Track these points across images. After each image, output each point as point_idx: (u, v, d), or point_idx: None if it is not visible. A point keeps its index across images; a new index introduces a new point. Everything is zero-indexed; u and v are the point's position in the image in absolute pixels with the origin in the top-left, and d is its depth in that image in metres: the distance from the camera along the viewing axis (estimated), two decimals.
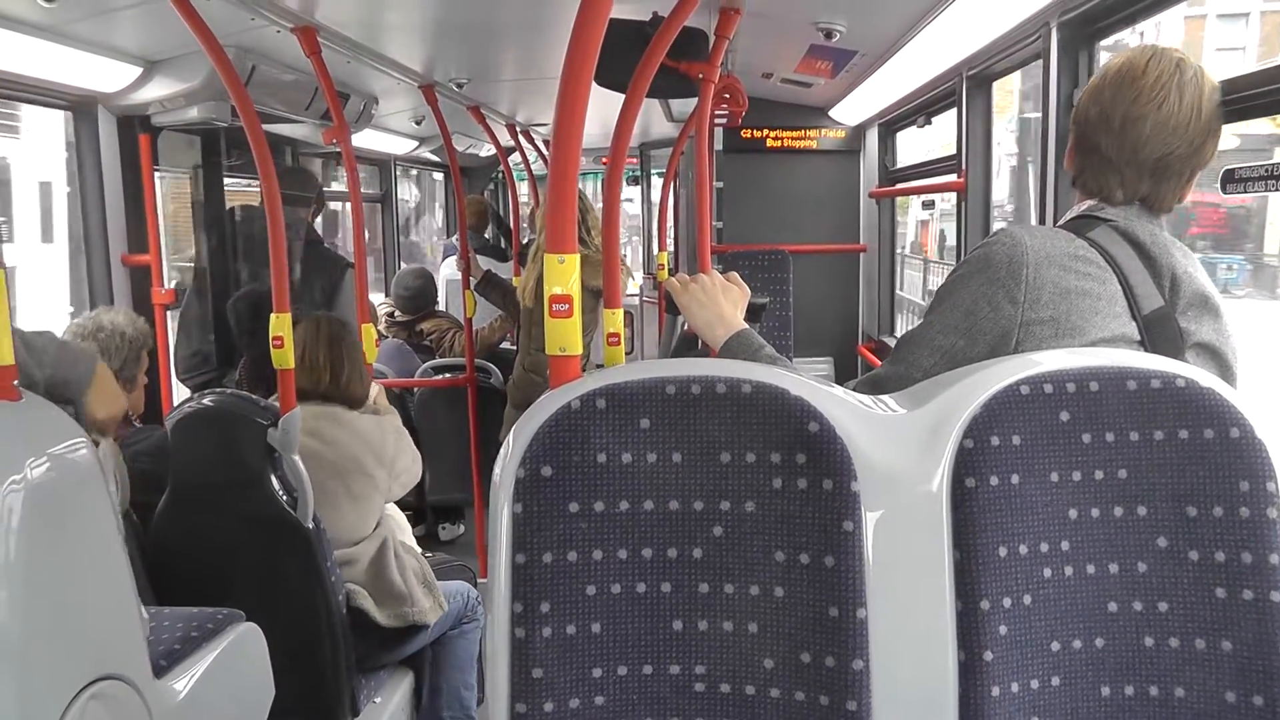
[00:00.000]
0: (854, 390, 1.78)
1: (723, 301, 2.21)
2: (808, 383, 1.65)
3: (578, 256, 1.78)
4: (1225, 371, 1.88)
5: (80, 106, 4.42)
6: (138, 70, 4.20)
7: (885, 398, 1.73)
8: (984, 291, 1.82)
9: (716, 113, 5.62)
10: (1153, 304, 1.83)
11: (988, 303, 1.82)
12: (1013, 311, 1.80)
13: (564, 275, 1.78)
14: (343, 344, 3.95)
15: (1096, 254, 1.85)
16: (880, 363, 1.97)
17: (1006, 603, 1.58)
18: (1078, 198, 2.01)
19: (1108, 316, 1.81)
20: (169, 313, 4.88)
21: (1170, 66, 1.86)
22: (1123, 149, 1.88)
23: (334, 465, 3.73)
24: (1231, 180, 2.44)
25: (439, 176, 10.91)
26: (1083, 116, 1.92)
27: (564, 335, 1.79)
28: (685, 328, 2.32)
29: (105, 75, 4.16)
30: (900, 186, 6.62)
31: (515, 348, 6.70)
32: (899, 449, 1.63)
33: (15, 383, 1.99)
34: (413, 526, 5.10)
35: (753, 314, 2.30)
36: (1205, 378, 1.67)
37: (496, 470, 1.63)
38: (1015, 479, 1.60)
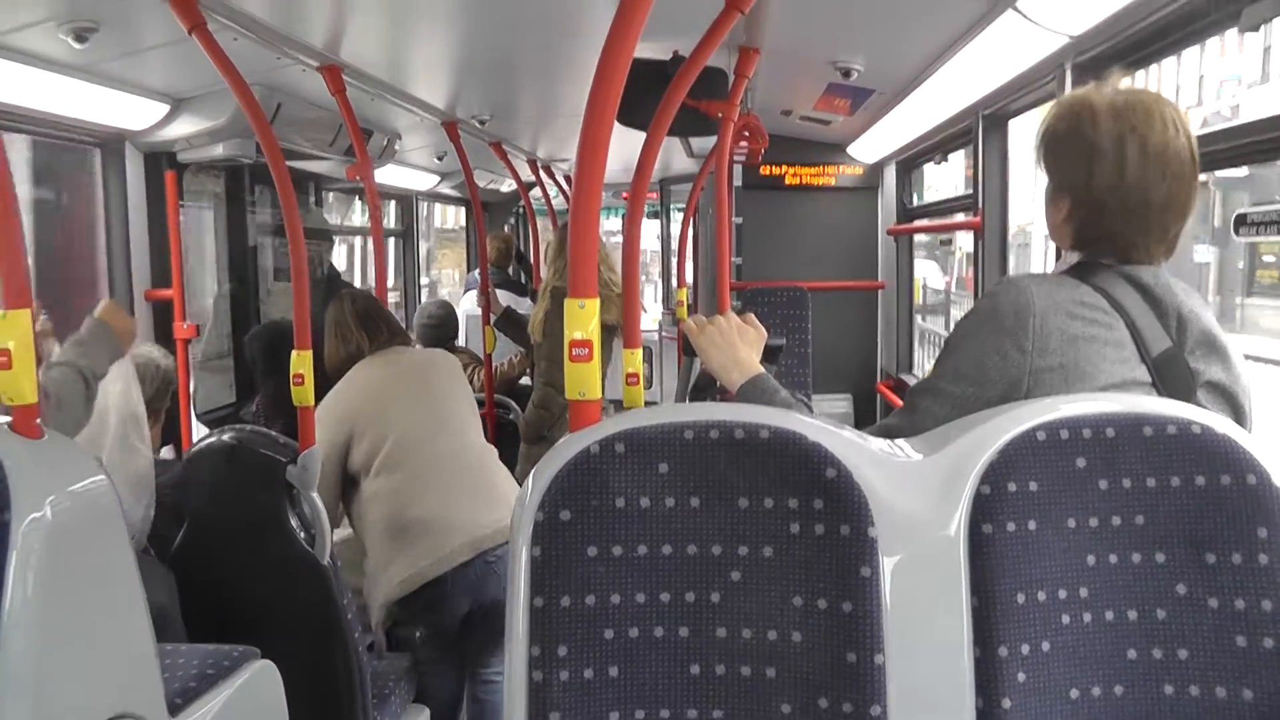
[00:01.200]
0: None
1: (739, 344, 2.21)
2: (825, 428, 1.65)
3: (598, 301, 1.79)
4: (1237, 411, 1.88)
5: (108, 144, 4.46)
6: (165, 108, 4.24)
7: (901, 442, 1.73)
8: (992, 341, 1.82)
9: (736, 150, 5.63)
10: (1161, 345, 1.83)
11: (996, 352, 1.81)
12: (1021, 360, 1.80)
13: (584, 320, 1.78)
14: (370, 307, 4.14)
15: (1102, 299, 1.85)
16: (899, 401, 1.97)
17: (1025, 649, 1.58)
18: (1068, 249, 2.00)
19: (1116, 361, 1.81)
20: (190, 348, 4.89)
21: (1175, 127, 1.85)
22: (1142, 222, 1.87)
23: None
24: (1244, 224, 2.45)
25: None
26: (1083, 179, 1.90)
27: (583, 379, 1.80)
28: (703, 368, 2.32)
29: (134, 113, 4.20)
30: (918, 224, 6.62)
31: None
32: (916, 494, 1.63)
33: (38, 421, 2.01)
34: None
35: (769, 355, 2.30)
36: (1221, 423, 1.66)
37: (515, 512, 1.63)
38: (1032, 525, 1.60)
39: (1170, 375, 1.82)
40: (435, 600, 3.74)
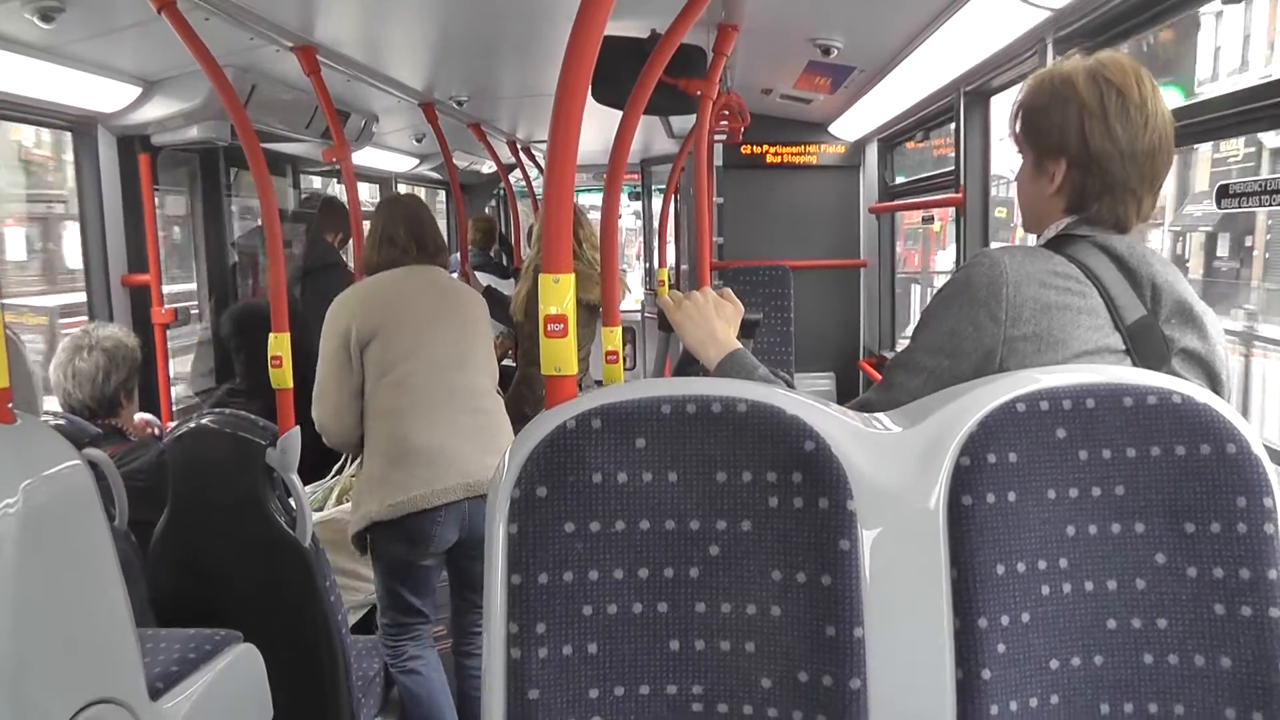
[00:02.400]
0: None
1: (715, 320, 2.20)
2: (804, 401, 1.64)
3: (573, 275, 1.78)
4: (1214, 379, 1.90)
5: (80, 126, 4.43)
6: (137, 90, 4.21)
7: (881, 416, 1.73)
8: (966, 312, 1.83)
9: (716, 129, 5.62)
10: (1135, 314, 1.85)
11: (970, 323, 1.82)
12: (995, 330, 1.80)
13: (559, 295, 1.77)
14: (421, 215, 4.01)
15: (1075, 269, 1.86)
16: (881, 378, 1.97)
17: (1004, 620, 1.57)
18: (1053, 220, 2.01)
19: (1089, 329, 1.82)
20: (168, 332, 4.87)
21: (1150, 85, 1.90)
22: (1138, 172, 1.90)
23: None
24: (1226, 195, 2.45)
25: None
26: (1076, 142, 1.91)
27: (559, 355, 1.79)
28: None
29: (105, 95, 4.17)
30: (900, 202, 6.62)
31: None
32: (895, 467, 1.62)
33: (10, 405, 1.99)
34: None
35: (746, 330, 2.30)
36: (1201, 393, 1.66)
37: (491, 490, 1.62)
38: (1012, 496, 1.60)
39: (1144, 342, 1.83)
40: (418, 532, 3.69)
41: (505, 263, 8.96)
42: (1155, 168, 1.91)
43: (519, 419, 5.36)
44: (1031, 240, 2.05)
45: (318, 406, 3.76)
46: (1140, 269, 1.87)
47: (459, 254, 6.68)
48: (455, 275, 6.98)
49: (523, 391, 5.46)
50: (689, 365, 2.26)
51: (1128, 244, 1.90)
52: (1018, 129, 2.02)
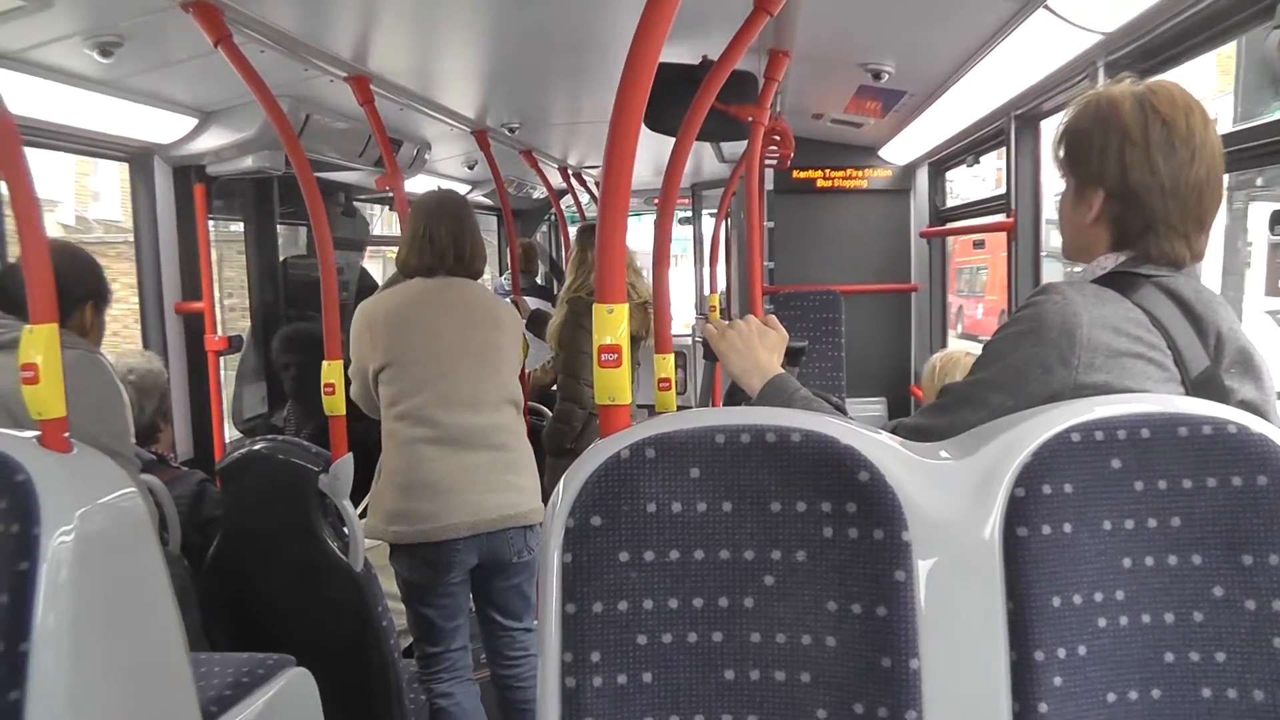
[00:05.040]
0: (895, 431, 1.77)
1: (759, 347, 2.20)
2: (857, 431, 1.64)
3: (627, 306, 1.78)
4: None
5: (137, 158, 4.49)
6: (193, 121, 4.27)
7: (934, 445, 1.71)
8: (1036, 353, 1.76)
9: (766, 153, 5.62)
10: (1200, 366, 1.79)
11: (1039, 365, 1.76)
12: (1065, 374, 1.74)
13: (613, 325, 1.78)
14: (464, 219, 3.87)
15: (1144, 316, 1.80)
16: (937, 401, 1.94)
17: (1061, 653, 1.56)
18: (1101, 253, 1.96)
19: (1157, 381, 1.76)
20: (221, 359, 4.91)
21: (1201, 117, 1.84)
22: (1181, 209, 1.84)
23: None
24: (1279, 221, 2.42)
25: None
26: (1115, 172, 1.86)
27: (613, 384, 1.79)
28: None
29: (161, 127, 4.23)
30: (950, 226, 6.59)
31: None
32: (950, 498, 1.61)
33: (66, 434, 2.01)
34: None
35: (791, 358, 2.30)
36: (1257, 423, 1.64)
37: (546, 519, 1.63)
38: (1068, 528, 1.58)
39: (1206, 395, 1.77)
40: (437, 559, 3.62)
41: (555, 288, 8.98)
42: (1203, 206, 1.85)
43: (562, 454, 5.32)
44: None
45: (352, 388, 3.71)
46: (1206, 316, 1.82)
47: (509, 277, 6.70)
48: (506, 300, 7.02)
49: (560, 428, 5.39)
50: (737, 393, 2.26)
51: (1194, 288, 1.84)
52: (1060, 153, 1.97)
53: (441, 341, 3.67)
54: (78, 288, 2.96)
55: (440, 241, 3.77)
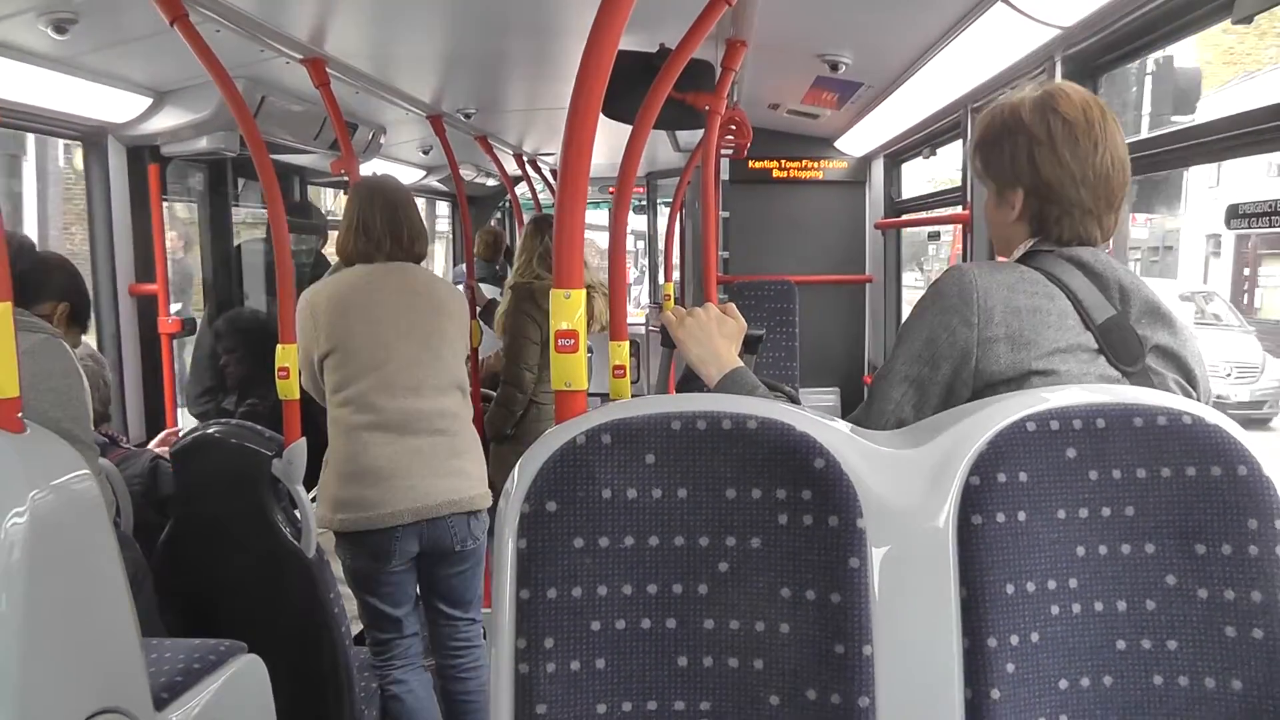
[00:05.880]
0: None
1: (717, 337, 2.22)
2: (814, 419, 1.64)
3: (583, 291, 1.78)
4: (1188, 374, 1.93)
5: (91, 137, 4.44)
6: (148, 101, 4.22)
7: (891, 434, 1.73)
8: (940, 320, 1.88)
9: (723, 143, 5.62)
10: (1104, 314, 1.89)
11: (944, 329, 1.87)
12: (969, 333, 1.85)
13: (570, 310, 1.78)
14: (399, 203, 3.82)
15: (1041, 276, 1.92)
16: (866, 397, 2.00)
17: (1014, 640, 1.57)
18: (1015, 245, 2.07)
19: (1060, 329, 1.86)
20: (175, 342, 4.87)
21: (1099, 110, 1.96)
22: (1092, 194, 1.95)
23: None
24: (1235, 215, 2.45)
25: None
26: (1028, 171, 1.98)
27: (570, 370, 1.79)
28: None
29: (116, 106, 4.18)
30: (906, 218, 6.62)
31: None
32: (905, 486, 1.62)
33: (19, 414, 1.99)
34: None
35: (749, 346, 2.31)
36: (1212, 414, 1.66)
37: (501, 505, 1.62)
38: (1022, 516, 1.60)
39: (1117, 340, 1.88)
40: (377, 547, 3.60)
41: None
42: (1111, 189, 1.96)
43: (502, 440, 5.31)
44: None
45: (302, 377, 3.67)
46: (1106, 273, 1.92)
47: (464, 266, 6.68)
48: (460, 287, 6.99)
49: (501, 411, 5.37)
50: (691, 381, 2.27)
51: (1092, 252, 1.96)
52: (978, 163, 2.09)
53: (383, 327, 3.64)
54: (50, 283, 2.97)
55: (375, 228, 3.74)
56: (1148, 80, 5.72)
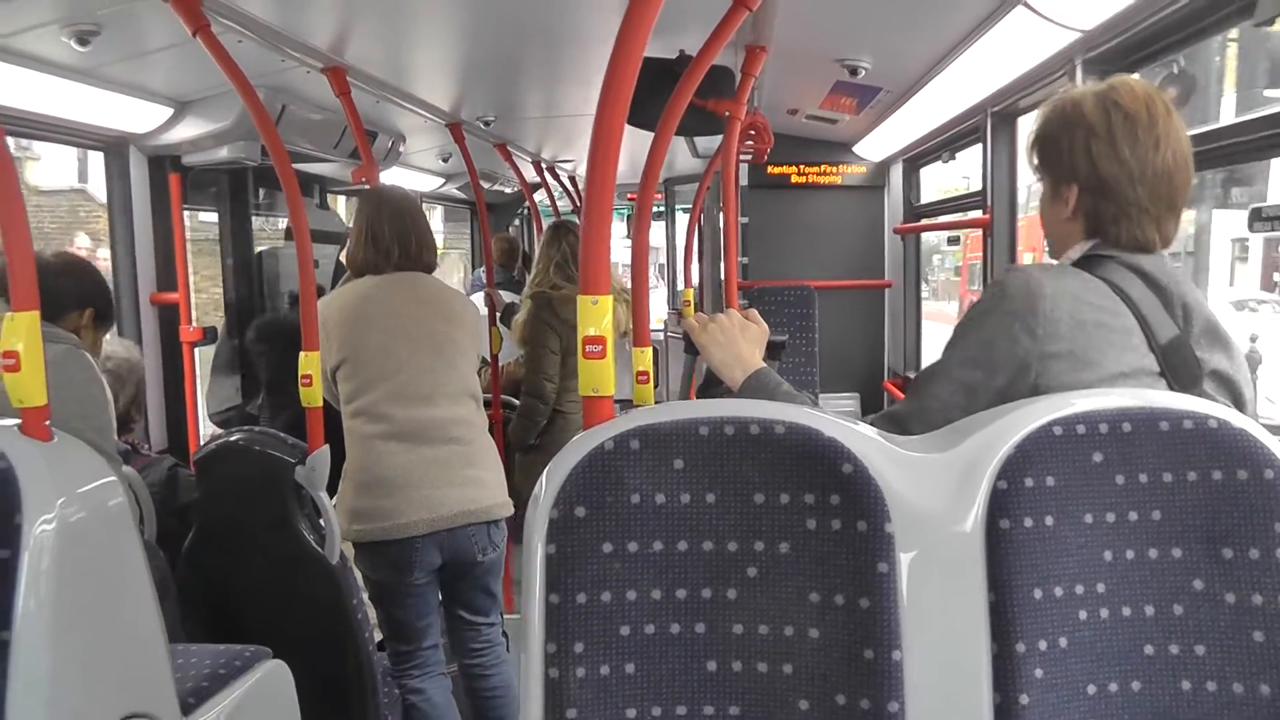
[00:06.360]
0: (873, 425, 1.79)
1: (740, 341, 2.21)
2: (841, 424, 1.65)
3: (611, 298, 1.79)
4: (1239, 400, 1.89)
5: (113, 147, 4.45)
6: (169, 111, 4.24)
7: (918, 439, 1.73)
8: (1001, 324, 1.81)
9: (742, 149, 5.62)
10: (1168, 333, 1.84)
11: (1005, 336, 1.81)
12: (1030, 344, 1.79)
13: (597, 316, 1.78)
14: (407, 214, 3.81)
15: (1107, 287, 1.85)
16: (910, 389, 1.97)
17: (1042, 645, 1.57)
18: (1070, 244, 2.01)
19: (1124, 349, 1.81)
20: (196, 350, 4.89)
21: (1163, 107, 1.90)
22: (1151, 193, 1.89)
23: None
24: (1259, 219, 2.45)
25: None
26: (1084, 165, 1.92)
27: (597, 376, 1.80)
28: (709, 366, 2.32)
29: (138, 116, 4.20)
30: (925, 222, 6.61)
31: None
32: (933, 490, 1.62)
33: (47, 423, 2.00)
34: None
35: (772, 352, 2.31)
36: (1237, 418, 1.66)
37: (530, 510, 1.63)
38: (1049, 520, 1.60)
39: (1177, 363, 1.83)
40: (399, 558, 3.60)
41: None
42: (1172, 189, 1.91)
43: (528, 450, 5.30)
44: None
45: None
46: (1171, 287, 1.87)
47: (484, 271, 6.69)
48: (480, 295, 6.99)
49: (524, 423, 5.34)
50: (713, 386, 2.27)
51: (1156, 263, 1.90)
52: (1035, 159, 2.04)
53: (394, 337, 3.65)
54: (74, 290, 2.97)
55: (384, 239, 3.74)
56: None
